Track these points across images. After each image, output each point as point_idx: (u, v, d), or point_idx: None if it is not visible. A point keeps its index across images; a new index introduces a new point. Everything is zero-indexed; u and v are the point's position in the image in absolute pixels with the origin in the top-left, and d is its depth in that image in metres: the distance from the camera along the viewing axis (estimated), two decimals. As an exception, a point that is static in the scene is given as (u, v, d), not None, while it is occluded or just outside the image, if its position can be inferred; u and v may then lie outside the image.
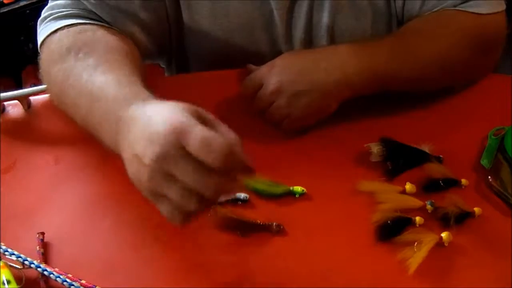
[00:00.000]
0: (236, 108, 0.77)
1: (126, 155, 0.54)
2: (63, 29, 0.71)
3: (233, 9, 0.81)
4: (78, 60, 0.66)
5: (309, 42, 0.84)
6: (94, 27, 0.72)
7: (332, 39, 0.83)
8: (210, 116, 0.53)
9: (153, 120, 0.51)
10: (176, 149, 0.48)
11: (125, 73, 0.63)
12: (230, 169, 0.49)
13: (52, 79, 0.69)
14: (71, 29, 0.71)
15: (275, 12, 0.80)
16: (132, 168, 0.53)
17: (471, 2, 0.78)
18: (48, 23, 0.74)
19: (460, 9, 0.78)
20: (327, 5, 0.80)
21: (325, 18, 0.81)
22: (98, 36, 0.70)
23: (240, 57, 0.84)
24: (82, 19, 0.73)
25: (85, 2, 0.74)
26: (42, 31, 0.74)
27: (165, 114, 0.51)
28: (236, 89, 0.78)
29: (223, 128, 0.52)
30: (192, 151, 0.48)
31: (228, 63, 0.83)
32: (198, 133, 0.48)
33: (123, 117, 0.55)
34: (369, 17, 0.82)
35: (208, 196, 0.49)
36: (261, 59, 0.84)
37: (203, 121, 0.51)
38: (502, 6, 0.80)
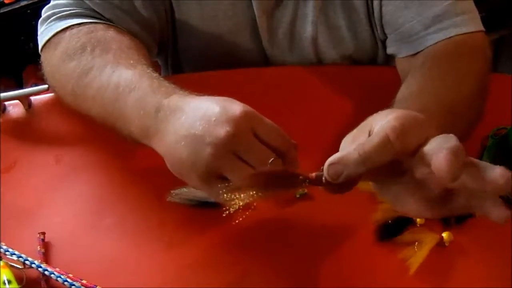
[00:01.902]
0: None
1: (174, 137, 0.55)
2: (72, 28, 0.72)
3: (222, 12, 0.81)
4: (95, 56, 0.67)
5: (293, 51, 0.84)
6: (105, 26, 0.72)
7: (317, 50, 0.84)
8: None
9: (212, 106, 0.54)
10: (247, 131, 0.52)
11: (150, 69, 0.64)
12: (291, 159, 0.54)
13: (67, 75, 0.69)
14: (81, 28, 0.71)
15: (257, 17, 0.80)
16: (185, 150, 0.54)
17: (453, 20, 0.73)
18: (53, 23, 0.74)
19: (455, 34, 0.72)
20: (310, 18, 0.80)
21: (308, 29, 0.81)
22: (111, 34, 0.71)
23: (228, 59, 0.84)
24: (89, 18, 0.73)
25: (88, 2, 0.74)
26: (45, 30, 0.74)
27: (225, 102, 0.54)
28: (236, 90, 0.78)
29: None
30: (264, 136, 0.53)
31: (216, 64, 0.84)
32: (269, 121, 0.54)
33: (165, 105, 0.57)
34: (351, 46, 0.83)
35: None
36: (249, 60, 0.85)
37: None
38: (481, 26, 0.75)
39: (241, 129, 0.52)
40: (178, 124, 0.55)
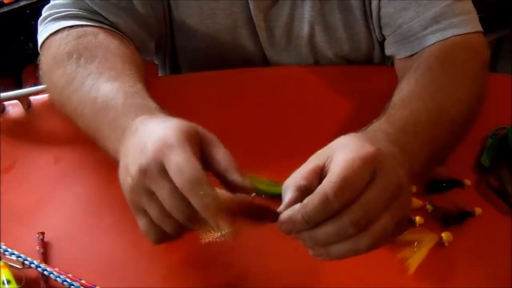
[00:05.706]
0: (236, 109, 0.77)
1: (120, 162, 0.54)
2: (63, 31, 0.71)
3: (220, 10, 0.81)
4: (80, 66, 0.66)
5: (290, 50, 0.84)
6: (95, 29, 0.72)
7: (314, 49, 0.84)
8: (210, 136, 0.53)
9: (148, 135, 0.51)
10: (157, 167, 0.48)
11: (130, 83, 0.63)
12: (199, 201, 0.46)
13: (53, 84, 0.69)
14: (72, 31, 0.71)
15: (253, 16, 0.81)
16: (120, 176, 0.53)
17: (451, 21, 0.73)
18: (48, 24, 0.74)
19: (451, 35, 0.72)
20: (306, 18, 0.81)
21: (305, 29, 0.82)
22: (100, 40, 0.70)
23: (227, 58, 0.84)
24: (82, 20, 0.73)
25: (86, 0, 0.74)
26: (42, 32, 0.74)
27: (160, 131, 0.51)
28: (235, 90, 0.78)
29: (221, 150, 0.52)
30: (169, 173, 0.48)
31: (215, 63, 0.84)
32: (176, 156, 0.48)
33: (128, 128, 0.56)
34: (346, 47, 0.83)
35: (181, 221, 0.49)
36: (247, 59, 0.85)
37: (201, 141, 0.52)
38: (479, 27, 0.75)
39: (150, 164, 0.49)
40: (125, 148, 0.54)
